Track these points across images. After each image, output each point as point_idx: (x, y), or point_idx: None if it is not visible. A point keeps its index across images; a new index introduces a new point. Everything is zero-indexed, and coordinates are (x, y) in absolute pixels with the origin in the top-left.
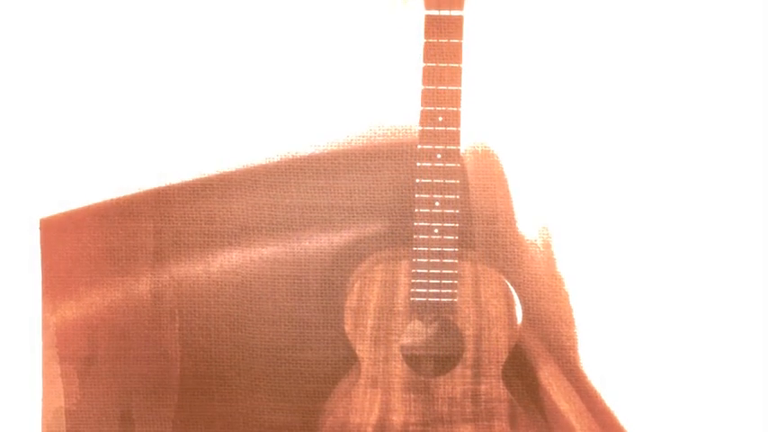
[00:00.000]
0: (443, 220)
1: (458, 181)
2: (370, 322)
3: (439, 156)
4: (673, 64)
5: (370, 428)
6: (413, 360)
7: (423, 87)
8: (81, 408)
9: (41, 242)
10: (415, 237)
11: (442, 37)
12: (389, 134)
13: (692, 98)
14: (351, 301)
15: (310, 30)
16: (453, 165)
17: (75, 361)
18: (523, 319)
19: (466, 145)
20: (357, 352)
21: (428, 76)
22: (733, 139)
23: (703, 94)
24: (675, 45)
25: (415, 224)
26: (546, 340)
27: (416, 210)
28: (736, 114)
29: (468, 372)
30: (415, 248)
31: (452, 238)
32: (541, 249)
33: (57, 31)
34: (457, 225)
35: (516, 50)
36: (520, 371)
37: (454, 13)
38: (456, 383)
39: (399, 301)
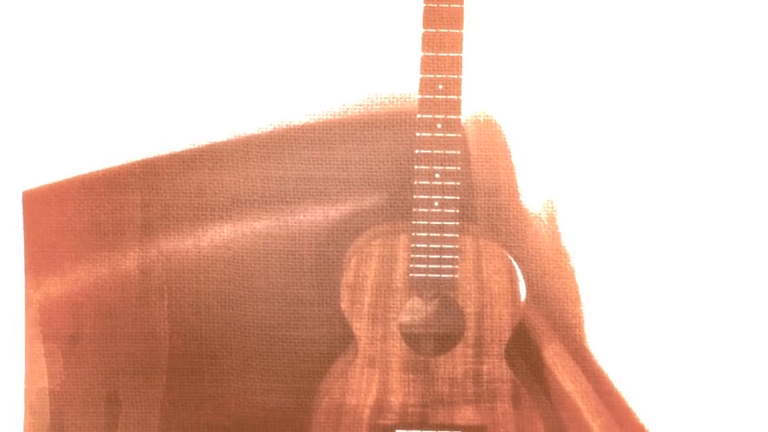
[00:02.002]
0: (444, 193)
1: (459, 152)
2: (367, 299)
3: (439, 125)
4: (685, 31)
5: (367, 410)
6: (412, 339)
7: (422, 54)
8: (65, 388)
9: (24, 216)
10: (414, 210)
11: (443, 1)
12: (387, 103)
13: (706, 65)
14: (347, 278)
15: None
16: (454, 135)
17: (60, 340)
18: (527, 295)
19: (467, 114)
20: (354, 330)
21: (428, 42)
22: (747, 111)
23: (718, 62)
24: (688, 12)
25: (415, 197)
26: (550, 318)
27: (416, 182)
28: (751, 87)
29: (470, 351)
30: (414, 222)
31: (453, 211)
32: (546, 223)
33: (42, 6)
34: (458, 198)
35: (520, 14)
36: (523, 350)
37: None
38: (457, 363)
39: (398, 278)
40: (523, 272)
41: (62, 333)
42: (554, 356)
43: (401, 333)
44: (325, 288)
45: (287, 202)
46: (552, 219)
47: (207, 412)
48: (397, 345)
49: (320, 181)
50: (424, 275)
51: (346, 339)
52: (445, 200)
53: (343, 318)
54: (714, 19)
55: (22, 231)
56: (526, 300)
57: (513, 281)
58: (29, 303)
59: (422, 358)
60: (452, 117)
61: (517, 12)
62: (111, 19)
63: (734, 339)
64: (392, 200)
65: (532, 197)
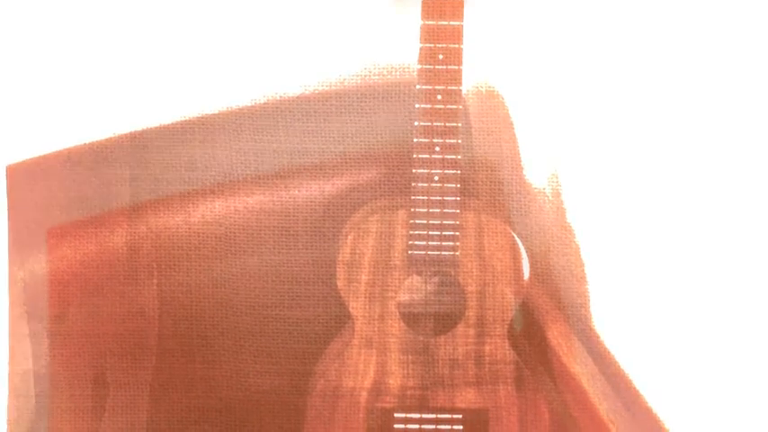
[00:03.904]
0: (444, 167)
1: (460, 124)
2: (364, 277)
3: (439, 97)
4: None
5: (364, 392)
6: (411, 318)
7: (422, 23)
8: (51, 370)
9: (8, 191)
10: (413, 185)
11: None
12: (385, 73)
13: (711, 45)
14: (344, 255)
15: None
16: (455, 106)
17: (45, 319)
18: (531, 273)
19: (468, 85)
20: (350, 310)
21: (427, 10)
22: (751, 98)
23: (723, 42)
24: None
25: (414, 171)
26: (555, 297)
27: (415, 155)
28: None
29: (471, 331)
30: (413, 197)
31: (454, 185)
32: (550, 198)
33: None
34: (459, 172)
35: None
36: (527, 330)
37: None
38: (458, 344)
39: (396, 255)
40: (527, 249)
41: (47, 313)
42: (559, 337)
43: (400, 312)
44: (320, 266)
45: (281, 176)
46: (557, 194)
47: (198, 395)
48: (396, 325)
49: (315, 154)
50: (423, 253)
51: (342, 319)
52: (445, 174)
53: (340, 297)
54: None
55: (5, 207)
56: (530, 278)
57: (515, 258)
58: (13, 282)
59: (421, 339)
60: (453, 88)
61: None
62: None
63: (741, 320)
64: (390, 174)
65: (536, 171)
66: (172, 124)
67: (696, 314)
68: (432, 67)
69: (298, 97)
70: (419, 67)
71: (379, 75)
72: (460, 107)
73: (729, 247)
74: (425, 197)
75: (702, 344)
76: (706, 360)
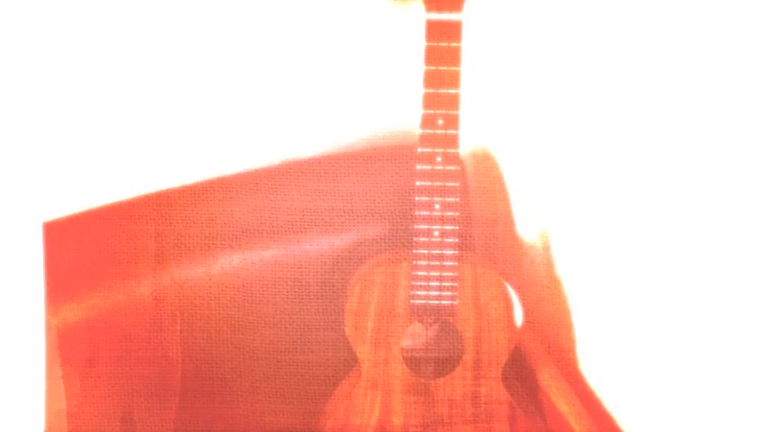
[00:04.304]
0: (443, 223)
1: (457, 184)
2: (370, 324)
3: (439, 159)
4: (670, 68)
5: (370, 430)
6: (413, 362)
7: (424, 91)
8: (83, 410)
9: (44, 245)
10: (415, 239)
11: (443, 40)
12: (390, 137)
13: (690, 102)
14: (351, 304)
15: (311, 33)
16: (453, 167)
17: (77, 363)
18: (523, 321)
19: (465, 148)
20: (357, 354)
21: (429, 79)
22: (731, 142)
23: (701, 97)
24: (672, 50)
25: (415, 227)
26: (545, 342)
27: (416, 212)
28: (733, 117)
29: (468, 374)
30: (415, 251)
31: (452, 240)
32: (541, 252)
33: (59, 32)
34: (457, 227)
35: (515, 54)
36: (520, 373)
37: (454, 16)
38: (456, 385)
39: (399, 304)
40: (519, 298)
41: (79, 357)
42: (549, 379)
43: (403, 357)
44: (330, 314)
45: (294, 231)
46: (546, 248)
47: None
48: (399, 368)
49: (325, 212)
50: (424, 302)
51: (350, 363)
52: (445, 229)
53: (348, 342)
54: (702, 51)
55: (42, 260)
56: (522, 325)
57: (509, 307)
58: (48, 328)
59: (422, 381)
60: (451, 151)
61: (511, 52)
62: (125, 53)
63: (728, 365)
64: (394, 230)
65: (528, 227)
66: (193, 184)
67: (676, 357)
68: (432, 131)
69: (309, 159)
70: (420, 131)
71: (383, 138)
72: (458, 168)
73: (710, 295)
74: (426, 251)
75: (682, 386)
76: (687, 400)
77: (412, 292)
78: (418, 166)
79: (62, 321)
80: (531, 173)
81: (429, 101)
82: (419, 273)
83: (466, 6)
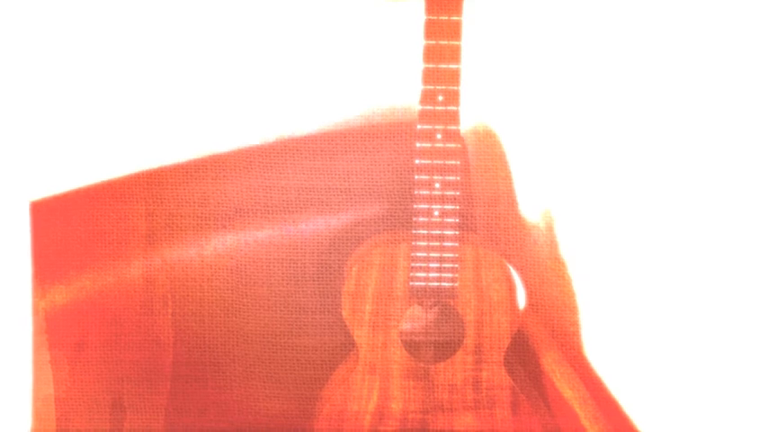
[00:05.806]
0: (444, 202)
1: (458, 162)
2: (368, 307)
3: (439, 136)
4: (679, 45)
5: (368, 416)
6: (412, 346)
7: (423, 66)
8: (71, 395)
9: (31, 226)
10: (414, 219)
11: (443, 14)
12: (388, 114)
13: (697, 81)
14: (348, 286)
15: (307, 7)
16: (454, 145)
17: (65, 347)
18: (526, 303)
19: (466, 125)
20: (355, 338)
21: (429, 53)
22: (739, 116)
23: (709, 70)
24: (684, 25)
25: (415, 206)
26: (549, 326)
27: (416, 191)
28: (743, 91)
29: (470, 358)
30: (414, 231)
31: (453, 220)
32: (544, 232)
33: (48, 16)
34: (457, 207)
35: (517, 27)
36: (522, 357)
37: None
38: (457, 370)
39: (398, 286)
40: (522, 280)
41: (68, 341)
42: (552, 363)
43: (401, 340)
44: (326, 296)
45: (289, 211)
46: (550, 228)
47: (210, 419)
48: (398, 352)
49: (322, 191)
50: (424, 284)
51: (347, 347)
52: (445, 209)
53: (345, 325)
54: (710, 27)
55: (29, 241)
56: (525, 308)
57: (511, 289)
58: (35, 312)
59: (422, 365)
60: (452, 128)
61: (514, 25)
62: (117, 31)
63: (731, 347)
64: (393, 209)
65: (530, 207)
66: (185, 162)
67: (684, 341)
68: (432, 107)
69: (305, 137)
70: (420, 107)
71: (381, 115)
72: (459, 146)
73: (718, 278)
74: (426, 231)
75: (690, 370)
76: (693, 386)
77: (411, 274)
78: (418, 144)
79: (50, 304)
80: (535, 150)
81: (429, 76)
82: (419, 254)
83: None
